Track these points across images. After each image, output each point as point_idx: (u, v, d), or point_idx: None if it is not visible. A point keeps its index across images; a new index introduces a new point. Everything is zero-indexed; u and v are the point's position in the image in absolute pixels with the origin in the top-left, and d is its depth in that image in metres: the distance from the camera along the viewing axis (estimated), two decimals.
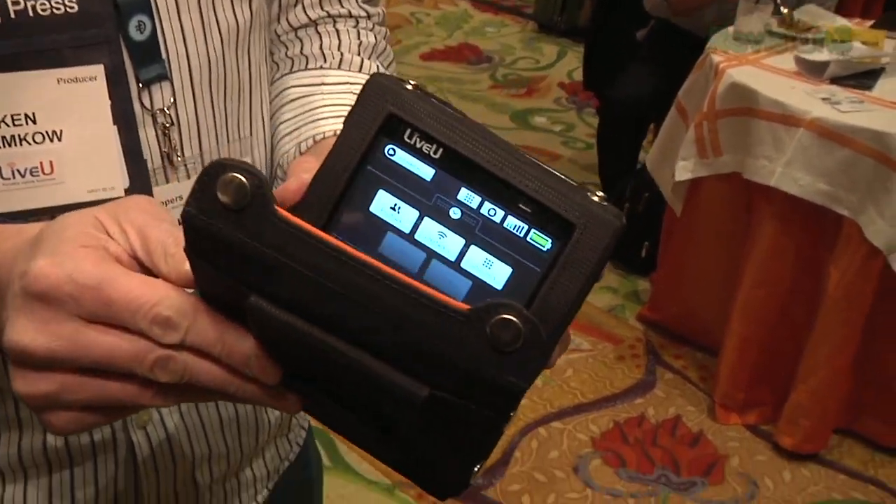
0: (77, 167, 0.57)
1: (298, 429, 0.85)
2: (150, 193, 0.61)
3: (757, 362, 2.26)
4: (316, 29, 0.73)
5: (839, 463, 2.22)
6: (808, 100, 2.07)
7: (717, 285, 2.37)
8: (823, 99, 2.07)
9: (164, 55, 0.59)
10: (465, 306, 0.34)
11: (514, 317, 0.33)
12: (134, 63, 0.58)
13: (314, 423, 0.67)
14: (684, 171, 2.27)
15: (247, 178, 0.35)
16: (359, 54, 0.73)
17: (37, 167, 0.56)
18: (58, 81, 0.55)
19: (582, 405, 2.38)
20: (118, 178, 0.59)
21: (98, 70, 0.56)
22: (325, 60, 0.72)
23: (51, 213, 0.57)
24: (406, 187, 0.38)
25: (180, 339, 0.38)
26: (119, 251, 0.40)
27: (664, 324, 2.63)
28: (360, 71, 0.72)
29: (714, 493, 2.12)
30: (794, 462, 2.21)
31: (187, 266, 0.40)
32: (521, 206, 0.37)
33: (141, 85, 0.59)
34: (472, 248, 0.38)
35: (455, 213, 0.38)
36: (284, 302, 0.36)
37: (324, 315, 0.36)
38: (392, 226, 0.38)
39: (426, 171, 0.38)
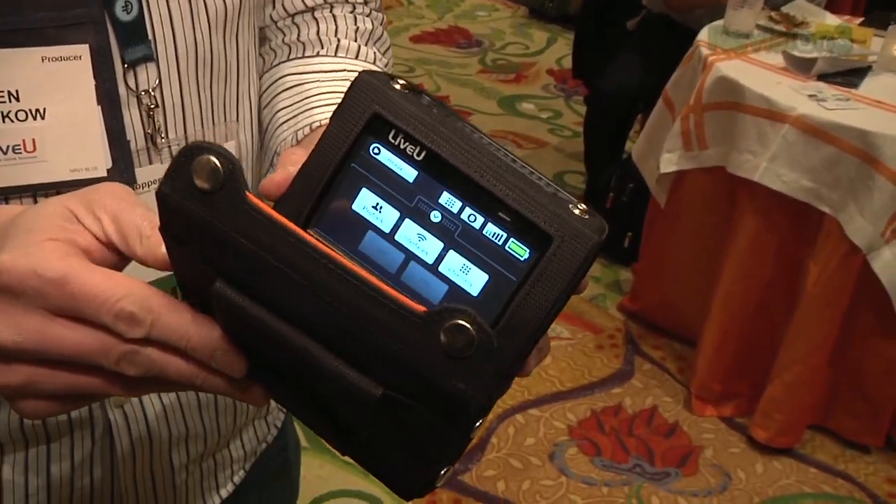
0: (60, 146, 0.57)
1: (277, 411, 0.85)
2: (133, 174, 0.61)
3: (734, 355, 2.27)
4: (313, 15, 0.73)
5: (811, 457, 2.25)
6: (795, 96, 2.07)
7: (697, 278, 2.38)
8: (810, 96, 2.08)
9: (150, 36, 0.59)
10: (422, 308, 0.34)
11: (468, 323, 0.33)
12: (120, 43, 0.58)
13: None
14: (669, 163, 2.28)
15: (221, 162, 0.35)
16: (356, 40, 0.73)
17: (19, 145, 0.56)
18: (42, 60, 0.55)
19: (560, 393, 2.39)
20: (101, 157, 0.59)
21: (83, 49, 0.56)
22: (322, 47, 0.72)
23: (33, 190, 0.57)
24: (389, 187, 0.38)
25: (145, 333, 0.39)
26: (89, 242, 0.40)
27: (644, 314, 2.64)
28: (356, 57, 0.72)
29: (687, 484, 2.15)
30: (767, 455, 2.23)
31: (163, 249, 0.40)
32: (500, 214, 0.37)
33: (126, 65, 0.58)
34: (451, 252, 0.37)
35: (435, 217, 0.37)
36: (249, 289, 0.36)
37: (285, 305, 0.36)
38: (373, 225, 0.38)
39: (409, 173, 0.38)
